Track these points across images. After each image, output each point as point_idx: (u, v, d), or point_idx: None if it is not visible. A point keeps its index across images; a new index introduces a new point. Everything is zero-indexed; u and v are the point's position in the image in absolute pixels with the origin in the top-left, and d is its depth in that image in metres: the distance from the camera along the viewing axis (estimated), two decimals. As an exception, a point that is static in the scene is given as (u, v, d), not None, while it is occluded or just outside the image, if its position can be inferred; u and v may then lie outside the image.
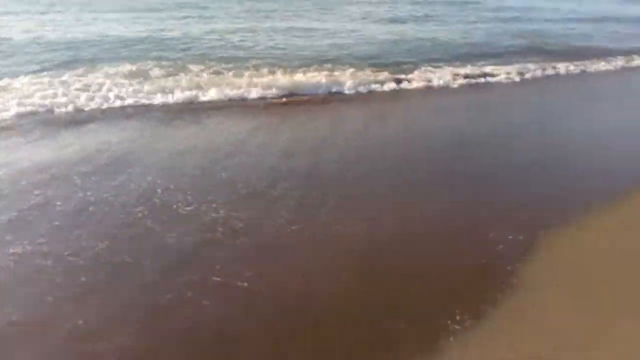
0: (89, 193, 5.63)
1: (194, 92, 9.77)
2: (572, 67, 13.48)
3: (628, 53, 15.66)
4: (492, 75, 12.10)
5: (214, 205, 5.45)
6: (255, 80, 10.75)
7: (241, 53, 13.56)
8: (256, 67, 11.88)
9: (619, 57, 15.13)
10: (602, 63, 14.20)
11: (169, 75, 10.93)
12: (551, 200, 5.89)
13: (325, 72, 11.55)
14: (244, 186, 5.96)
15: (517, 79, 12.22)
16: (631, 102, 10.89)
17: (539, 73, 12.79)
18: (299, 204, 5.60)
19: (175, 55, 12.92)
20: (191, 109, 9.13)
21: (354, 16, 22.25)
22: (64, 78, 10.21)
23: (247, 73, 11.25)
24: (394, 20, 21.27)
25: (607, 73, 13.68)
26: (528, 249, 4.83)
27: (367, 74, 11.65)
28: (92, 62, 11.64)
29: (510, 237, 5.00)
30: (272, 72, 11.45)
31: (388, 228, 5.22)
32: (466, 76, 11.96)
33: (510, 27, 20.12)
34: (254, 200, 5.63)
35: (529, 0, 32.50)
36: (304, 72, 11.54)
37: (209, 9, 23.50)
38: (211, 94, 9.78)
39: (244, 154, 7.02)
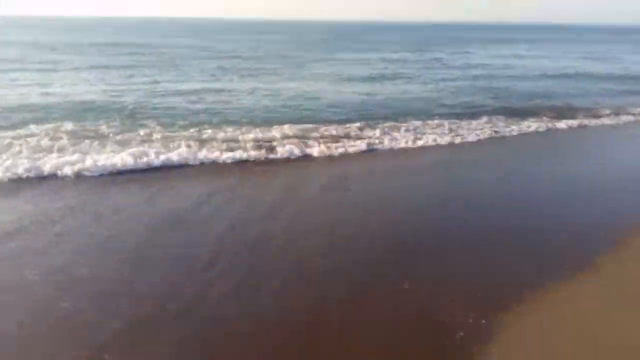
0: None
1: (143, 154, 9.10)
2: (540, 125, 13.41)
3: (596, 109, 15.77)
4: (460, 135, 11.89)
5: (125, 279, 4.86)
6: (213, 141, 10.34)
7: (204, 113, 13.21)
8: (218, 127, 11.49)
9: (589, 113, 15.26)
10: (572, 120, 14.13)
11: (119, 136, 10.45)
12: (514, 276, 5.35)
13: (290, 132, 11.23)
14: (180, 259, 5.39)
15: (485, 136, 12.05)
16: (597, 160, 10.63)
17: (507, 131, 12.63)
18: (238, 280, 5.02)
19: (129, 116, 12.53)
20: (137, 173, 8.52)
21: (325, 75, 22.35)
22: (7, 141, 9.66)
23: (205, 134, 10.86)
24: (363, 79, 21.37)
25: (578, 129, 13.54)
26: (490, 333, 4.27)
27: (332, 135, 11.36)
28: (41, 122, 11.23)
29: (471, 320, 4.44)
30: (235, 132, 11.10)
31: (334, 308, 4.66)
32: (432, 134, 11.82)
33: (478, 85, 20.35)
34: (188, 278, 5.03)
35: (496, 58, 33.50)
36: (269, 132, 11.19)
37: (181, 68, 23.52)
38: (161, 156, 9.15)
39: (188, 224, 6.41)
